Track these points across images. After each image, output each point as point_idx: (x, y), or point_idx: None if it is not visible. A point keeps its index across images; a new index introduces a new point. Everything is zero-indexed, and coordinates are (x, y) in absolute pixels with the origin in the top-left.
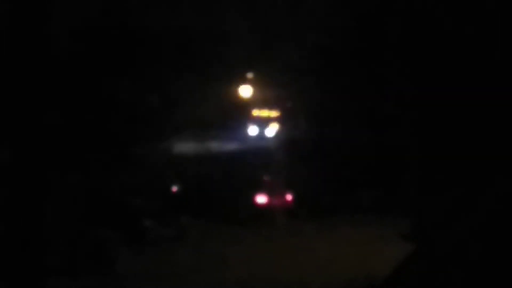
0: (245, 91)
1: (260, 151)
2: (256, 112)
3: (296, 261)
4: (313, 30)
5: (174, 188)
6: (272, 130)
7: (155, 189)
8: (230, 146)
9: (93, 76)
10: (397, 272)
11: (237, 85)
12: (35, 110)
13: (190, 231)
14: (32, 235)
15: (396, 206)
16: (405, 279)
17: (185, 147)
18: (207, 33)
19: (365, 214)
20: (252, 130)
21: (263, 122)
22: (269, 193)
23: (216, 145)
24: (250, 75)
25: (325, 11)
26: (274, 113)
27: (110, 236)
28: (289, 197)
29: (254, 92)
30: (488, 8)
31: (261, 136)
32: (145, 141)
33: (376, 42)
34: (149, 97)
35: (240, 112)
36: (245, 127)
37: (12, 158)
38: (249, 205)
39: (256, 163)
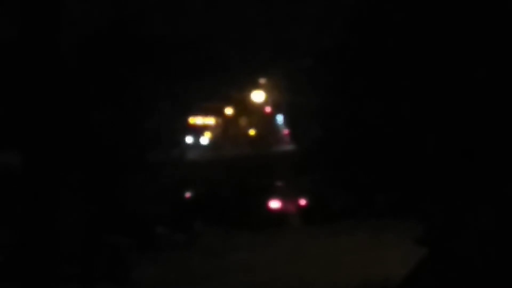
0: (258, 96)
1: (273, 156)
2: (192, 120)
3: (310, 265)
4: (323, 34)
5: (187, 194)
6: (205, 139)
7: (168, 195)
8: (244, 151)
9: (104, 82)
10: (411, 276)
11: (250, 91)
12: (47, 117)
13: (203, 237)
14: (46, 242)
15: (410, 210)
16: (419, 283)
17: (197, 153)
18: (219, 39)
19: (380, 218)
20: (187, 139)
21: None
22: (283, 198)
23: (229, 151)
24: (262, 80)
25: (336, 14)
26: (209, 121)
27: (124, 242)
28: (302, 201)
29: (267, 97)
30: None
31: (196, 144)
32: (158, 147)
33: (389, 42)
34: (161, 103)
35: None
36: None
37: (25, 164)
38: (263, 210)
39: (269, 168)
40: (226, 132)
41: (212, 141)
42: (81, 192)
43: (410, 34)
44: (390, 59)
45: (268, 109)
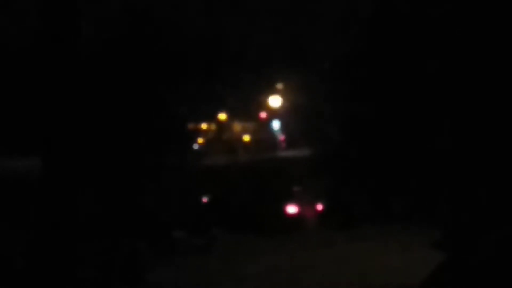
0: (275, 101)
1: (289, 161)
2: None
3: (328, 270)
4: (340, 39)
5: (204, 199)
6: (196, 145)
7: (186, 199)
8: (261, 156)
9: (123, 87)
10: (429, 280)
11: (267, 96)
12: (66, 121)
13: (220, 241)
14: (63, 246)
15: (427, 214)
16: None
17: (215, 157)
18: (237, 43)
19: (397, 223)
20: None
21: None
22: (300, 203)
23: (246, 155)
24: (279, 86)
25: (354, 18)
26: (203, 127)
27: (141, 247)
28: (319, 206)
29: (284, 102)
30: None
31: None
32: (175, 151)
33: (406, 47)
34: (179, 108)
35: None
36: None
37: (44, 169)
38: (280, 215)
39: (286, 173)
40: (219, 137)
41: (205, 147)
42: (99, 195)
43: (428, 38)
44: (407, 64)
45: (263, 114)
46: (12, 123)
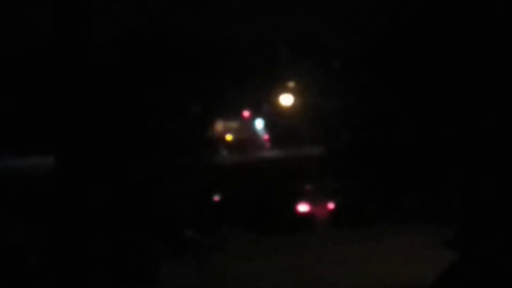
0: (286, 99)
1: (300, 159)
2: None
3: (338, 269)
4: (352, 37)
5: (216, 197)
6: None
7: (197, 198)
8: (272, 154)
9: (136, 84)
10: (442, 279)
11: (278, 94)
12: (80, 119)
13: (232, 240)
14: (75, 246)
15: (440, 213)
16: (450, 287)
17: (227, 156)
18: (248, 42)
19: (408, 222)
20: None
21: None
22: (311, 202)
23: (257, 154)
24: (291, 84)
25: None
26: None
27: (152, 246)
28: (331, 205)
29: (295, 100)
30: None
31: None
32: (188, 150)
33: (421, 46)
34: (192, 106)
35: None
36: None
37: (58, 166)
38: (291, 213)
39: (297, 171)
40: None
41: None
42: (112, 195)
43: (443, 39)
44: (420, 63)
45: (246, 113)
46: (27, 122)
